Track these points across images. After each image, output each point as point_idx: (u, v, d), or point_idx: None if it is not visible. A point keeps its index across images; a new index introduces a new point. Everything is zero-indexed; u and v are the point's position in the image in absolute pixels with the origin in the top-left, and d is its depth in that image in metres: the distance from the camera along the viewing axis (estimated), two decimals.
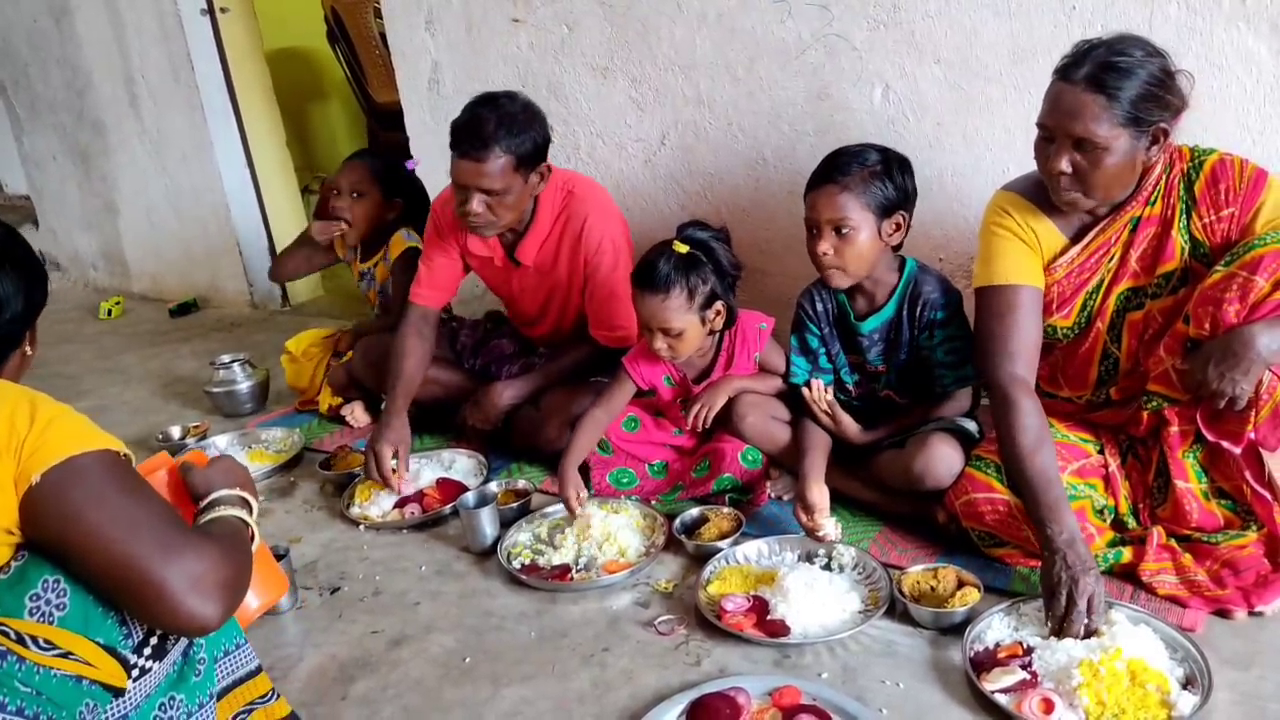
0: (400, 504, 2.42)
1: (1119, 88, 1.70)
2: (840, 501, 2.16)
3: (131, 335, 4.47)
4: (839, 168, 2.00)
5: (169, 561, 1.25)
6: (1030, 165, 2.15)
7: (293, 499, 2.62)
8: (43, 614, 1.28)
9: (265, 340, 4.06)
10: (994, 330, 1.91)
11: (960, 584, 1.83)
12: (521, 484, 2.43)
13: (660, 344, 2.15)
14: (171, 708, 1.41)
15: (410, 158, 3.21)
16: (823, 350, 2.20)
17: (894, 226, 2.02)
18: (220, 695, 1.52)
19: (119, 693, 1.32)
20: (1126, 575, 1.85)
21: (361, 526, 2.39)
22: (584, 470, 2.40)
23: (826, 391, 2.13)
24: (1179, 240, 1.85)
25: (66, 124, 5.01)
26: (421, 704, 1.74)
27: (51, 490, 1.25)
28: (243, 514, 1.50)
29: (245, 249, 4.52)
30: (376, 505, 2.43)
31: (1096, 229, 1.89)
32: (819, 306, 2.19)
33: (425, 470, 2.55)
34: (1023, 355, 1.88)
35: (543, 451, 2.54)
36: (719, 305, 2.17)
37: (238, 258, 4.54)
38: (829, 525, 1.95)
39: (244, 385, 3.23)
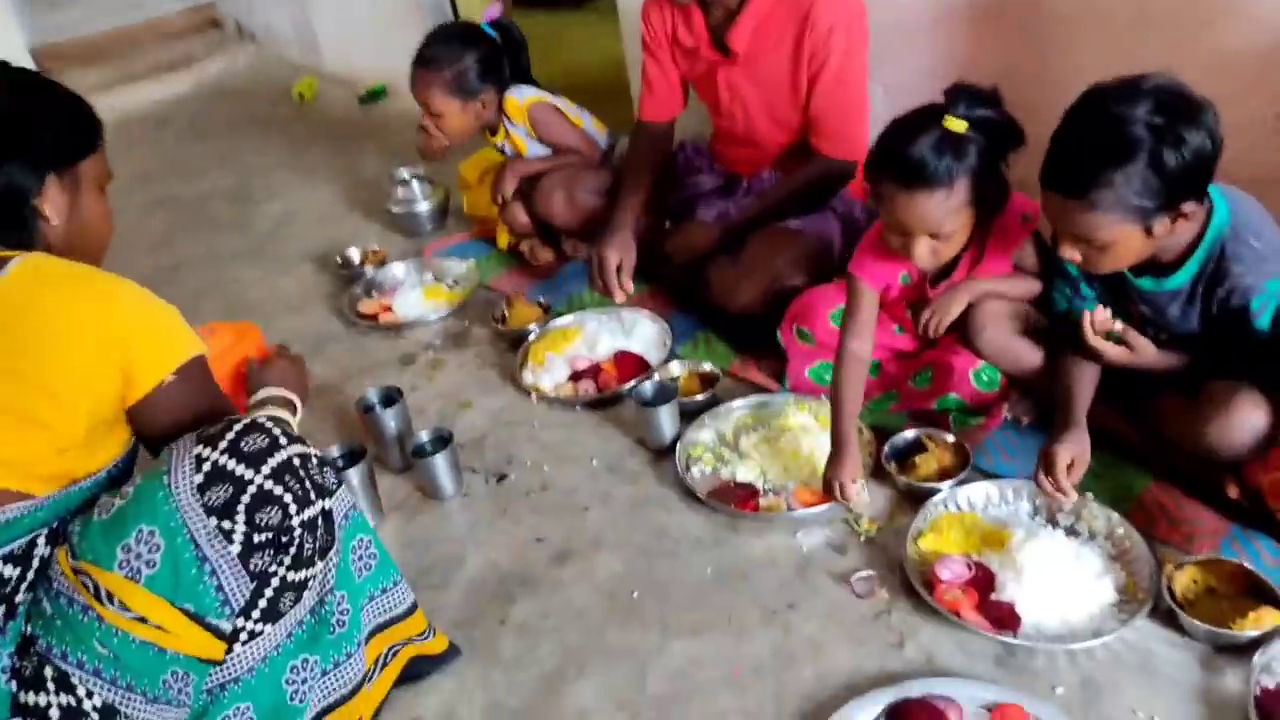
0: (574, 377, 2.21)
1: None
2: (1101, 442, 1.72)
3: (320, 124, 4.36)
4: (1079, 174, 1.40)
5: None
6: None
7: (465, 350, 2.46)
8: (131, 569, 1.15)
9: None
10: None
11: (1252, 586, 1.45)
12: (707, 367, 2.15)
13: (923, 249, 1.69)
14: (305, 669, 1.30)
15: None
16: (1082, 277, 1.70)
17: (1172, 221, 1.44)
18: (370, 635, 1.41)
19: (216, 663, 1.22)
20: None
21: (533, 397, 2.20)
22: (781, 362, 2.09)
23: (1112, 321, 1.63)
24: None
25: None
26: (582, 644, 1.58)
27: (148, 409, 1.26)
28: (284, 413, 1.54)
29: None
30: (550, 374, 2.23)
31: None
32: None
33: (603, 337, 2.30)
34: None
35: (735, 317, 2.22)
36: (991, 189, 1.69)
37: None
38: (1074, 497, 1.57)
39: (423, 206, 3.08)
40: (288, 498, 1.19)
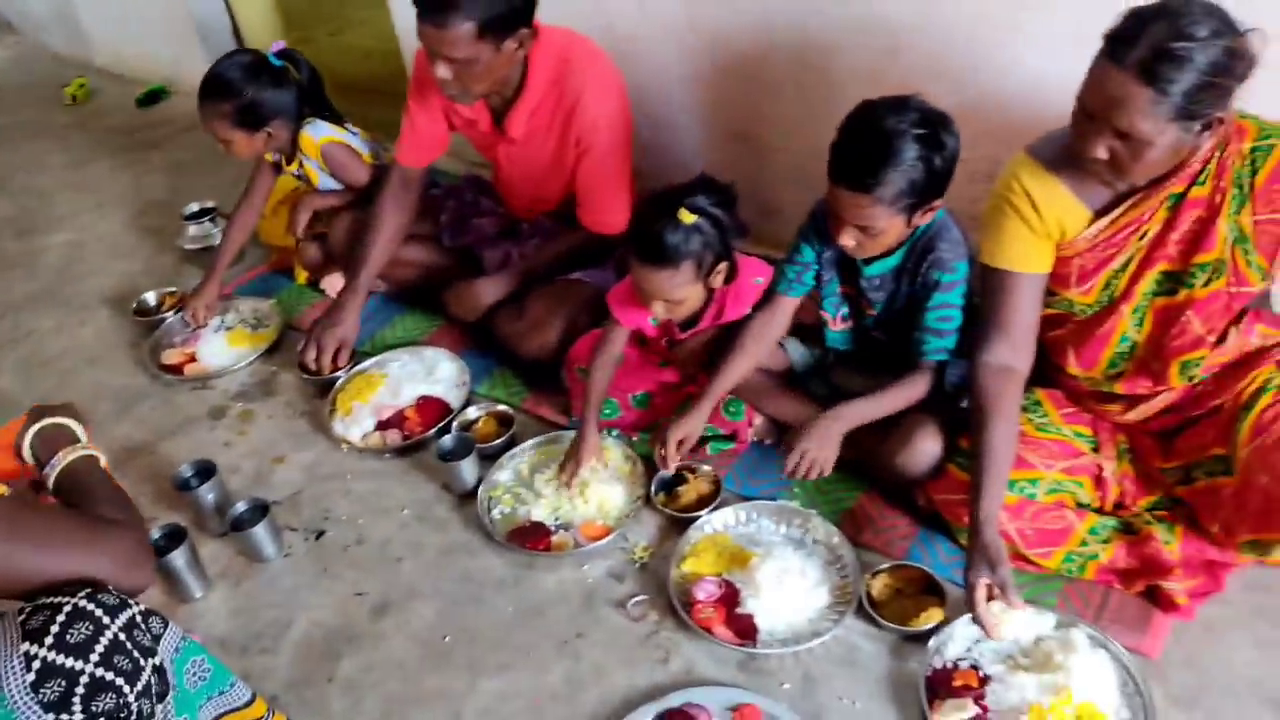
0: (381, 426, 2.40)
1: (1172, 80, 1.46)
2: None
3: (100, 131, 4.21)
4: (869, 172, 1.72)
5: (101, 561, 1.37)
6: (1065, 90, 1.90)
7: (275, 398, 2.60)
8: None
9: None
10: (989, 310, 1.85)
11: (929, 585, 1.86)
12: (503, 408, 2.39)
13: (658, 308, 2.02)
14: None
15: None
16: (814, 267, 2.05)
17: (926, 212, 1.81)
18: None
19: None
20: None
21: (345, 448, 2.39)
22: (569, 398, 2.36)
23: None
24: (1223, 229, 1.66)
25: None
26: (403, 692, 1.84)
27: None
28: (81, 452, 1.58)
29: (205, 33, 4.12)
30: (358, 424, 2.41)
31: (1127, 204, 1.70)
32: (828, 231, 1.99)
33: (406, 384, 2.49)
34: (1008, 339, 1.82)
35: (524, 363, 2.47)
36: (722, 266, 2.00)
37: (199, 43, 4.15)
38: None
39: (218, 240, 3.09)
40: (120, 680, 1.27)
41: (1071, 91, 2.11)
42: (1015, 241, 1.79)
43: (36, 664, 1.22)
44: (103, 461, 1.62)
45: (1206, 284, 1.70)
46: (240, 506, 2.13)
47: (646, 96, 2.79)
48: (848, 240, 1.84)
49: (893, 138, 1.71)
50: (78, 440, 1.62)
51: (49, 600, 1.29)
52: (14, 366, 2.82)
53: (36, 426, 1.62)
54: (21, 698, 1.21)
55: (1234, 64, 1.47)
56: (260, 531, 2.09)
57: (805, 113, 2.56)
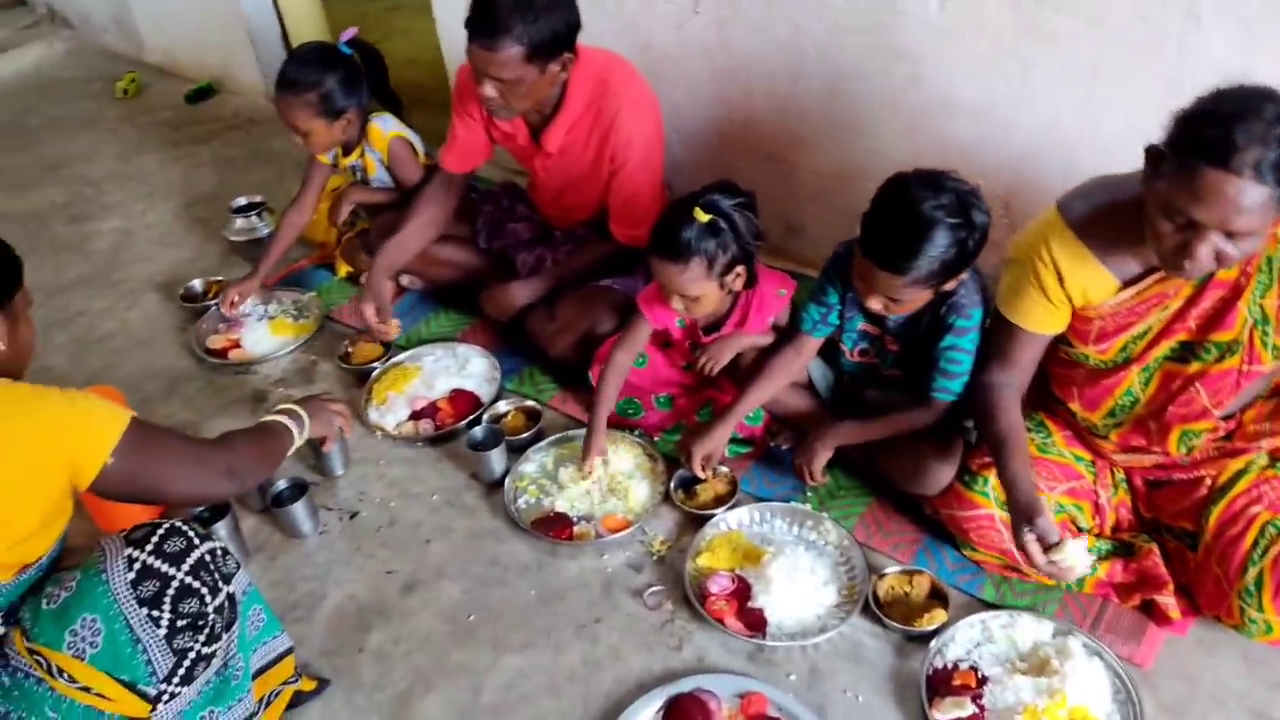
0: (415, 415, 2.52)
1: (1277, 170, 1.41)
2: (837, 463, 2.21)
3: (149, 125, 4.36)
4: (903, 257, 1.77)
5: (206, 478, 1.61)
6: (1081, 124, 1.99)
7: (314, 386, 2.71)
8: (78, 649, 1.46)
9: (284, 147, 3.96)
10: (996, 346, 1.91)
11: (934, 589, 1.94)
12: (531, 403, 2.50)
13: (678, 304, 2.12)
14: (211, 719, 1.61)
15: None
16: (837, 308, 2.15)
17: (955, 283, 1.88)
18: (255, 675, 1.73)
19: None
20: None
21: (379, 434, 2.50)
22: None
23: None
24: (1244, 312, 1.69)
25: None
26: (430, 665, 1.94)
27: (102, 487, 1.49)
28: (286, 420, 1.86)
29: (255, 36, 4.27)
30: (393, 413, 2.52)
31: (1154, 277, 1.72)
32: (849, 274, 2.08)
33: (440, 376, 2.61)
34: (1008, 371, 1.89)
35: (553, 362, 2.58)
36: (739, 269, 2.10)
37: (249, 44, 4.30)
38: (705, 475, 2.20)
39: (264, 233, 3.22)
40: (204, 590, 1.50)
41: (1082, 131, 2.23)
42: (1032, 306, 1.80)
43: (137, 565, 1.47)
44: (297, 440, 1.87)
45: (1219, 360, 1.73)
46: (281, 485, 2.25)
47: (680, 114, 2.91)
48: (875, 305, 1.90)
49: (928, 225, 1.74)
50: (299, 419, 1.89)
51: (150, 521, 1.53)
52: (65, 345, 2.95)
53: (293, 405, 1.92)
54: (123, 591, 1.46)
55: None
56: (299, 509, 2.20)
57: (831, 136, 2.67)
